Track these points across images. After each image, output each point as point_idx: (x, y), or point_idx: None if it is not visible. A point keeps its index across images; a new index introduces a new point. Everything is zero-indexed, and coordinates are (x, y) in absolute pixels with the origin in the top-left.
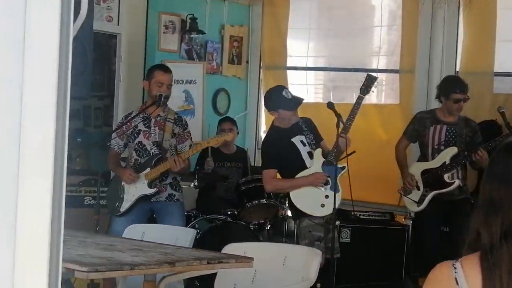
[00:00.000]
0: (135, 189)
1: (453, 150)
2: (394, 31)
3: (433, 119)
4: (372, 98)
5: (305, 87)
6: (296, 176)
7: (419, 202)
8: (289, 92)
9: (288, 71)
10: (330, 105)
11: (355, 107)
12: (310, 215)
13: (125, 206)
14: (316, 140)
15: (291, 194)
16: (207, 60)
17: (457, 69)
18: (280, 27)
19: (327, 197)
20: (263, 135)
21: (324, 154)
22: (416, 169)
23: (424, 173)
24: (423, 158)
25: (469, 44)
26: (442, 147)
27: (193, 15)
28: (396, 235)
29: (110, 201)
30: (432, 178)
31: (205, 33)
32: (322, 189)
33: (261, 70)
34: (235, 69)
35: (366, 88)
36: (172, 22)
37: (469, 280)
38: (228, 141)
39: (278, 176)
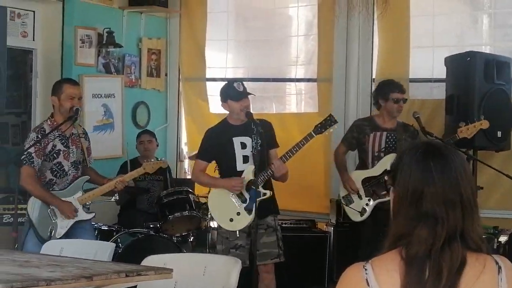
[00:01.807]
0: None
1: (393, 157)
2: (311, 40)
3: (372, 126)
4: (291, 107)
5: None
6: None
7: (361, 212)
8: (242, 86)
9: (208, 83)
10: (248, 115)
11: (301, 142)
12: None
13: (60, 232)
14: (264, 146)
15: (209, 197)
16: (126, 74)
17: (373, 76)
18: (198, 39)
19: (238, 214)
20: (184, 147)
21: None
22: (357, 177)
23: (365, 181)
24: (362, 166)
25: (384, 51)
26: (382, 154)
27: (109, 28)
28: (317, 242)
29: (41, 226)
30: (374, 187)
31: (122, 47)
32: (237, 203)
33: (180, 82)
34: (154, 81)
35: (322, 128)
36: (89, 36)
37: (380, 280)
38: (148, 154)
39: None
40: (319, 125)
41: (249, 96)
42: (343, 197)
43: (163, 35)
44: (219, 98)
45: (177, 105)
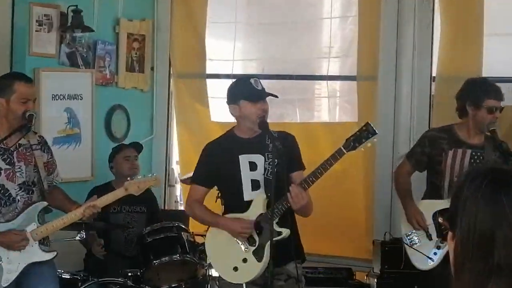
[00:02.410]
0: (21, 255)
1: None
2: (350, 24)
3: (451, 140)
4: (321, 114)
5: None
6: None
7: (430, 258)
8: (260, 83)
9: (209, 80)
10: (262, 125)
11: (327, 162)
12: None
13: (9, 278)
14: (283, 167)
15: (207, 237)
16: (97, 68)
17: (434, 74)
18: (196, 21)
19: (245, 261)
20: (175, 167)
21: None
22: (426, 209)
23: (438, 216)
24: (433, 193)
25: (448, 40)
26: None
27: (76, 6)
28: None
29: None
30: None
31: (93, 31)
32: (243, 247)
33: (171, 79)
34: (135, 78)
35: (355, 141)
36: (48, 16)
37: None
38: (134, 174)
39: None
40: (352, 138)
41: (268, 100)
42: (405, 235)
43: (149, 16)
44: (224, 99)
45: (166, 110)
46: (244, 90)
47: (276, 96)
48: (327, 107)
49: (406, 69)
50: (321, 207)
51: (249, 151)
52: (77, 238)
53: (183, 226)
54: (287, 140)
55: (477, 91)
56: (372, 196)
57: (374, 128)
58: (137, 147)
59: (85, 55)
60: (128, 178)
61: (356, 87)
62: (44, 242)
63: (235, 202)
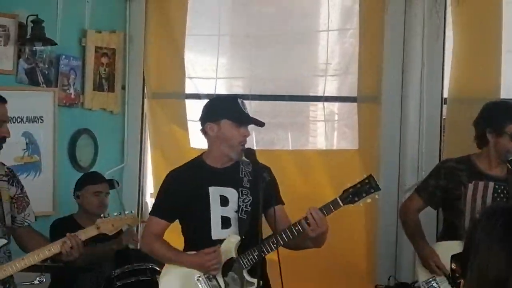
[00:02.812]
0: None
1: None
2: (349, 37)
3: (471, 171)
4: (317, 140)
5: None
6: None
7: None
8: (246, 107)
9: (188, 101)
10: (247, 153)
11: (327, 208)
12: None
13: None
14: (257, 204)
15: (160, 279)
16: (60, 86)
17: (445, 95)
18: (174, 34)
19: None
20: (149, 201)
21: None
22: (443, 251)
23: (457, 258)
24: (450, 232)
25: (462, 56)
26: None
27: (36, 16)
28: None
29: None
30: None
31: (56, 44)
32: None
33: (145, 99)
34: (104, 99)
35: (355, 195)
36: (4, 27)
37: None
38: (101, 211)
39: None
40: (350, 190)
41: (250, 128)
42: (424, 282)
43: (120, 27)
44: (197, 131)
45: (139, 136)
46: (230, 109)
47: (262, 124)
48: (324, 132)
49: (413, 89)
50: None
51: (220, 183)
52: (36, 282)
53: (158, 268)
54: (266, 173)
55: (498, 116)
56: (375, 234)
57: (378, 183)
58: (111, 184)
59: (46, 72)
60: (102, 216)
61: (357, 109)
62: (6, 286)
63: (200, 241)
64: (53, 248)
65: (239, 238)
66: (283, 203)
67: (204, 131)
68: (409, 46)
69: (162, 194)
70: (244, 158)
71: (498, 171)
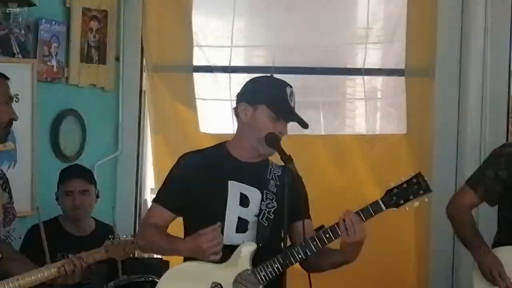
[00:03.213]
0: None
1: None
2: None
3: None
4: (356, 123)
5: (229, 104)
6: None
7: None
8: (294, 99)
9: (197, 75)
10: (270, 140)
11: (366, 212)
12: None
13: None
14: (282, 214)
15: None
16: (40, 57)
17: None
18: None
19: None
20: (149, 197)
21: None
22: (508, 258)
23: None
24: (510, 235)
25: None
26: None
27: None
28: None
29: None
30: None
31: (35, 5)
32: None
33: (144, 73)
34: (93, 72)
35: (399, 196)
36: None
37: None
38: (80, 215)
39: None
40: (395, 191)
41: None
42: None
43: None
44: (219, 101)
45: (137, 118)
46: (274, 94)
47: (306, 126)
48: (364, 112)
49: (474, 60)
50: (359, 258)
51: (243, 180)
52: None
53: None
54: (297, 183)
55: None
56: (427, 242)
57: (428, 183)
58: (85, 175)
59: (22, 39)
60: (110, 237)
61: (405, 85)
62: None
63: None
64: (47, 273)
65: (255, 246)
66: (309, 217)
67: (236, 112)
68: (469, 7)
69: (172, 179)
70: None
71: None
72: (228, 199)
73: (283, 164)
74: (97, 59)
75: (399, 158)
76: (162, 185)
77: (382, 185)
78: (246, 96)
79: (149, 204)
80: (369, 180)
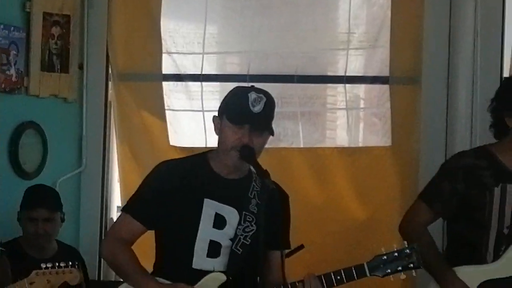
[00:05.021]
0: None
1: None
2: None
3: (495, 170)
4: (337, 134)
5: (201, 115)
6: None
7: None
8: (263, 105)
9: (166, 84)
10: (244, 153)
11: (348, 274)
12: None
13: None
14: (259, 241)
15: None
16: None
17: (505, 74)
18: None
19: None
20: (115, 216)
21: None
22: (470, 279)
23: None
24: (464, 254)
25: None
26: None
27: None
28: None
29: None
30: None
31: None
32: None
33: (110, 82)
34: (55, 82)
35: (386, 264)
36: None
37: None
38: (43, 241)
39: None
40: (384, 258)
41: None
42: None
43: None
44: (191, 112)
45: (102, 130)
46: (234, 103)
47: (271, 134)
48: (346, 123)
49: (463, 66)
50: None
51: (221, 198)
52: None
53: None
54: (281, 201)
55: None
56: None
57: (420, 260)
58: (50, 204)
59: None
60: (42, 266)
61: (389, 93)
62: None
63: (176, 266)
64: None
65: (224, 279)
66: (288, 247)
67: (215, 129)
68: (458, 9)
69: (146, 188)
70: (242, 160)
71: None
72: (202, 219)
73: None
74: (59, 67)
75: (383, 172)
76: (135, 193)
77: (365, 201)
78: (219, 108)
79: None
80: (351, 196)
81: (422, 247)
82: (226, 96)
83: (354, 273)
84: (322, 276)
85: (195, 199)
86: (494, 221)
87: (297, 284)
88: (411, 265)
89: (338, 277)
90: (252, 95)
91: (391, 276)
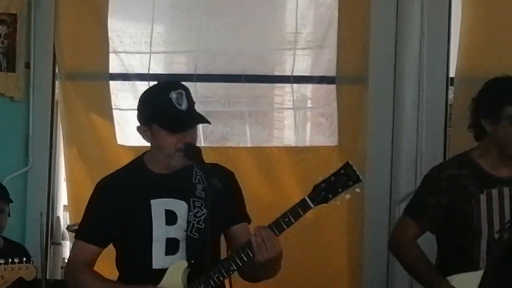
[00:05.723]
0: None
1: None
2: None
3: (478, 176)
4: (284, 134)
5: None
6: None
7: None
8: (186, 98)
9: (113, 83)
10: (189, 153)
11: (291, 214)
12: None
13: None
14: (214, 220)
15: None
16: None
17: (451, 74)
18: None
19: None
20: (62, 214)
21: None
22: (463, 286)
23: None
24: (467, 260)
25: (476, 25)
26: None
27: None
28: None
29: None
30: None
31: None
32: None
33: (56, 81)
34: (2, 81)
35: (327, 190)
36: None
37: None
38: None
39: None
40: (322, 186)
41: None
42: None
43: None
44: (134, 113)
45: (49, 129)
46: (160, 109)
47: (209, 123)
48: (293, 123)
49: (410, 67)
50: (291, 271)
51: (166, 194)
52: None
53: None
54: (226, 179)
55: (493, 96)
56: (360, 260)
57: (358, 173)
58: (2, 196)
59: None
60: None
61: (336, 93)
62: None
63: (137, 270)
64: None
65: (186, 263)
66: (248, 221)
67: (140, 135)
68: (405, 10)
69: (90, 212)
70: (187, 158)
71: (507, 171)
72: (153, 220)
73: (210, 163)
74: (5, 66)
75: (330, 171)
76: (82, 219)
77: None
78: (139, 119)
79: (62, 221)
80: (299, 195)
81: (416, 263)
82: (144, 103)
83: (299, 209)
84: (272, 225)
85: (142, 204)
86: (484, 228)
87: (252, 239)
88: (351, 182)
89: (286, 219)
90: (173, 95)
91: (336, 200)
